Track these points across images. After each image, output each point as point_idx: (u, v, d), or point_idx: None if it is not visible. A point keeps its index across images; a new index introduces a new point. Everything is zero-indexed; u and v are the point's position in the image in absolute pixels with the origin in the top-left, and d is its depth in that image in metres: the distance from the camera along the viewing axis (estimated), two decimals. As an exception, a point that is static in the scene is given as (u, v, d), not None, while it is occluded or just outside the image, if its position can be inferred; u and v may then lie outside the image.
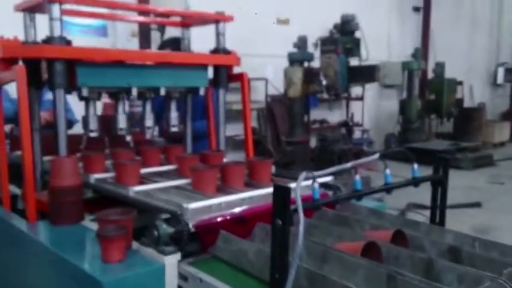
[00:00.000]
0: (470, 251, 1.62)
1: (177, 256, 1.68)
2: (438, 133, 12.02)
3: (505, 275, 1.38)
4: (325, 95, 8.51)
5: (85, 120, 2.42)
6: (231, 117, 5.59)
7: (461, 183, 8.06)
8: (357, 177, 1.63)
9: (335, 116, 10.95)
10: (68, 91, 2.28)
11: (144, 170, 2.38)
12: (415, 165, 1.84)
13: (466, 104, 12.62)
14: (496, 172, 9.18)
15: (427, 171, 1.91)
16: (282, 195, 1.36)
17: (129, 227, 1.73)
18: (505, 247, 1.65)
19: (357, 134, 10.63)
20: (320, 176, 1.54)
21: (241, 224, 1.90)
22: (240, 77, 2.95)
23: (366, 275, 1.45)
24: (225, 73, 2.90)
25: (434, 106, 10.84)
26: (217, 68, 2.88)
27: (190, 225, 1.74)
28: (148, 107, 2.63)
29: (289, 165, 7.91)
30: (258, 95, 8.77)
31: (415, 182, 1.85)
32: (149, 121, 2.63)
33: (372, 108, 11.59)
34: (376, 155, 1.73)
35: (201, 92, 2.76)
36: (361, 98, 10.52)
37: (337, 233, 1.82)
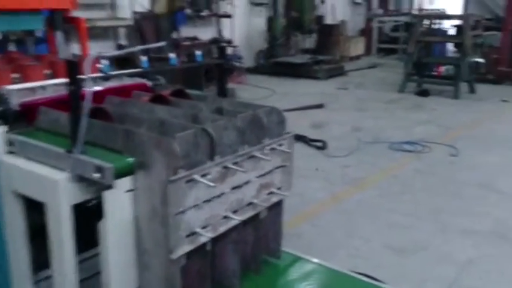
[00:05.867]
0: (230, 109, 2.25)
1: (4, 128, 2.10)
2: (304, 49, 13.02)
3: (239, 118, 2.03)
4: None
5: None
6: (98, 34, 5.65)
7: (314, 91, 9.12)
8: (143, 58, 2.16)
9: (207, 34, 11.31)
10: None
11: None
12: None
13: (329, 21, 13.69)
14: (345, 80, 10.43)
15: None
16: (72, 67, 1.83)
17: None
18: (256, 106, 2.31)
19: (229, 51, 11.16)
20: (109, 57, 2.02)
21: (63, 106, 2.35)
22: (75, 20, 3.25)
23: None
24: (60, 16, 3.16)
25: (297, 23, 11.67)
26: (52, 12, 3.12)
27: (15, 104, 2.16)
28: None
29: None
30: (124, 12, 8.80)
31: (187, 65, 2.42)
32: None
33: (242, 26, 12.12)
34: (163, 43, 2.26)
35: (38, 34, 3.06)
36: (229, 16, 10.96)
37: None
